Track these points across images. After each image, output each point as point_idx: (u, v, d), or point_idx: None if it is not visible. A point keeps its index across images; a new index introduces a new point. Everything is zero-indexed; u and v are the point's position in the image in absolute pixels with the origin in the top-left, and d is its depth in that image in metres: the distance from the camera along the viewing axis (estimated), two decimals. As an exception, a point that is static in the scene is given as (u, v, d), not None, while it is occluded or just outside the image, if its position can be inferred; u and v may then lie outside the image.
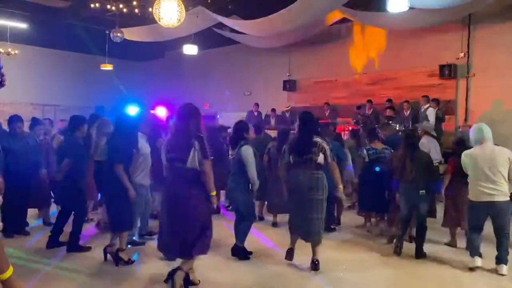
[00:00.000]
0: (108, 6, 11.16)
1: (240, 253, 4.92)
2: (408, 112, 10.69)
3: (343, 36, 12.85)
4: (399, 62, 11.75)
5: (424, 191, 5.06)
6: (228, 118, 10.60)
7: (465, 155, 4.74)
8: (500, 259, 4.56)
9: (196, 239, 3.69)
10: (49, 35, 14.08)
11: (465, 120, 10.60)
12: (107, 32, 12.61)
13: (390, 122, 10.13)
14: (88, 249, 5.19)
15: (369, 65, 12.34)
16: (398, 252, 5.14)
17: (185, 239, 3.69)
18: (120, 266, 4.59)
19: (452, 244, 5.57)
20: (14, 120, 5.79)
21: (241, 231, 4.91)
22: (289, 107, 13.20)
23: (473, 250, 4.70)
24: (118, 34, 11.91)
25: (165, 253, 4.07)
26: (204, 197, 3.73)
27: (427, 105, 10.24)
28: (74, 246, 5.15)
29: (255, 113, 13.11)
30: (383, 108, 11.22)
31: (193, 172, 3.65)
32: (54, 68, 16.28)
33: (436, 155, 7.20)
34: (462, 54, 10.74)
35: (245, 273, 4.56)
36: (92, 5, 11.11)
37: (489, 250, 4.79)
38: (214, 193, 3.78)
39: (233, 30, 12.06)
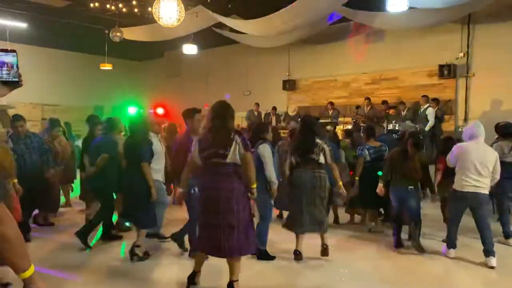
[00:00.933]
0: (108, 6, 11.15)
1: (265, 256, 4.85)
2: (404, 112, 10.72)
3: (343, 35, 12.85)
4: (398, 62, 11.76)
5: (412, 187, 5.29)
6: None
7: (458, 147, 5.00)
8: (488, 252, 4.73)
9: (242, 237, 3.66)
10: (49, 34, 14.07)
11: (465, 119, 10.62)
12: (106, 31, 12.61)
13: (393, 121, 10.18)
14: (120, 237, 5.67)
15: (368, 65, 12.34)
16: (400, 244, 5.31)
17: (230, 236, 3.62)
18: (135, 261, 4.70)
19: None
20: (16, 119, 5.69)
21: (260, 233, 4.74)
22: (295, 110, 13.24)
23: (449, 242, 5.02)
24: (118, 34, 11.90)
25: (210, 253, 3.87)
26: (244, 190, 3.74)
27: (427, 105, 10.25)
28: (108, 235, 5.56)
29: (255, 113, 13.12)
30: (380, 108, 11.26)
31: (233, 166, 3.68)
32: (54, 68, 16.28)
33: None
34: (461, 54, 10.76)
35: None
36: (91, 5, 11.11)
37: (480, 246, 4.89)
38: (254, 185, 3.76)
39: (232, 30, 12.06)
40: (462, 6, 8.99)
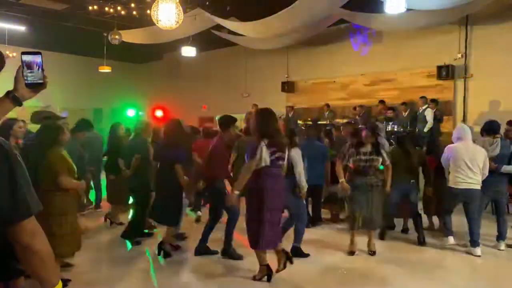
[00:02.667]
0: (106, 9, 11.16)
1: (299, 253, 5.11)
2: (406, 113, 10.72)
3: (341, 37, 12.87)
4: (397, 63, 11.78)
5: (414, 180, 5.86)
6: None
7: (449, 148, 5.51)
8: (474, 242, 5.32)
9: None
10: (47, 37, 14.05)
11: (463, 121, 10.62)
12: (105, 34, 12.61)
13: (390, 123, 10.21)
14: (150, 235, 6.03)
15: (367, 66, 12.36)
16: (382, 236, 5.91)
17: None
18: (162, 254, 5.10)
19: (431, 228, 6.43)
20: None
21: (298, 232, 5.16)
22: (292, 108, 13.25)
23: (448, 230, 5.54)
24: (116, 36, 11.90)
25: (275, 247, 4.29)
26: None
27: (425, 106, 10.27)
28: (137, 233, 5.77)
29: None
30: (377, 109, 11.28)
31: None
32: (52, 71, 15.90)
33: None
34: (459, 55, 10.77)
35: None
36: (90, 8, 11.13)
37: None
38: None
39: (231, 32, 12.07)
40: (460, 7, 9.02)
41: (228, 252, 5.07)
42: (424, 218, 6.19)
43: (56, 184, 3.96)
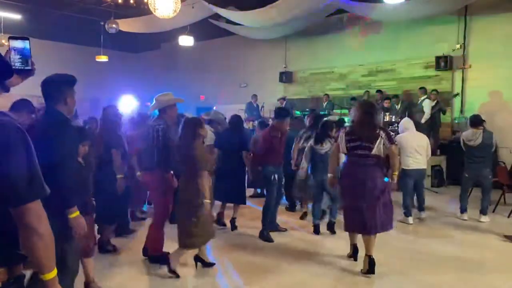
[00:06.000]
0: (103, -3, 11.09)
1: (332, 227, 5.83)
2: (399, 105, 10.75)
3: (339, 27, 12.82)
4: (395, 53, 11.76)
5: None
6: (225, 110, 10.59)
7: (399, 137, 6.41)
8: (421, 208, 6.65)
9: (383, 216, 4.30)
10: (44, 26, 13.96)
11: (461, 111, 10.65)
12: (102, 23, 12.52)
13: (387, 113, 10.22)
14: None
15: (365, 57, 12.33)
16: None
17: (376, 215, 4.25)
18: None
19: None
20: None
21: (334, 210, 5.86)
22: (284, 99, 13.14)
23: (408, 211, 6.42)
24: (113, 26, 11.83)
25: (357, 231, 4.49)
26: (383, 178, 4.40)
27: (423, 96, 10.26)
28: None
29: (254, 105, 13.01)
30: (374, 99, 11.27)
31: (377, 157, 4.30)
32: (48, 60, 16.05)
33: None
34: (458, 46, 10.75)
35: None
36: (87, -4, 11.05)
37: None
38: (396, 172, 4.50)
39: (229, 21, 12.01)
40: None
41: (263, 237, 5.48)
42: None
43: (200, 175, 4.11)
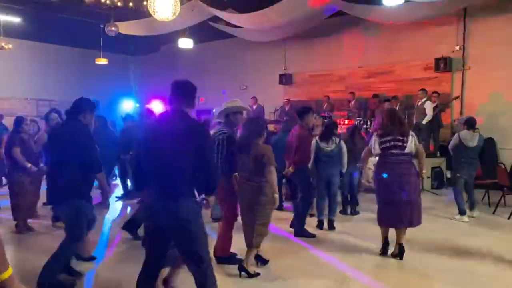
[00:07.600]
0: (103, 0, 11.06)
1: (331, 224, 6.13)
2: (397, 107, 10.72)
3: (339, 30, 12.82)
4: (394, 55, 11.76)
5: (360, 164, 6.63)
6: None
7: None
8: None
9: (416, 212, 4.63)
10: (43, 29, 13.95)
11: (461, 113, 10.63)
12: (101, 26, 12.52)
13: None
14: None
15: (364, 59, 12.32)
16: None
17: (409, 210, 4.57)
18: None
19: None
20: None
21: (333, 208, 6.18)
22: (289, 101, 13.10)
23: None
24: (113, 28, 11.82)
25: (393, 225, 4.77)
26: (416, 175, 4.70)
27: (425, 98, 10.23)
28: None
29: (254, 107, 12.98)
30: (371, 102, 11.29)
31: (409, 155, 4.65)
32: (48, 63, 16.15)
33: None
34: (457, 47, 10.75)
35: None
36: (86, -1, 11.03)
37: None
38: (424, 171, 4.80)
39: (228, 24, 12.01)
40: (458, -1, 8.99)
41: (299, 232, 5.68)
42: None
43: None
